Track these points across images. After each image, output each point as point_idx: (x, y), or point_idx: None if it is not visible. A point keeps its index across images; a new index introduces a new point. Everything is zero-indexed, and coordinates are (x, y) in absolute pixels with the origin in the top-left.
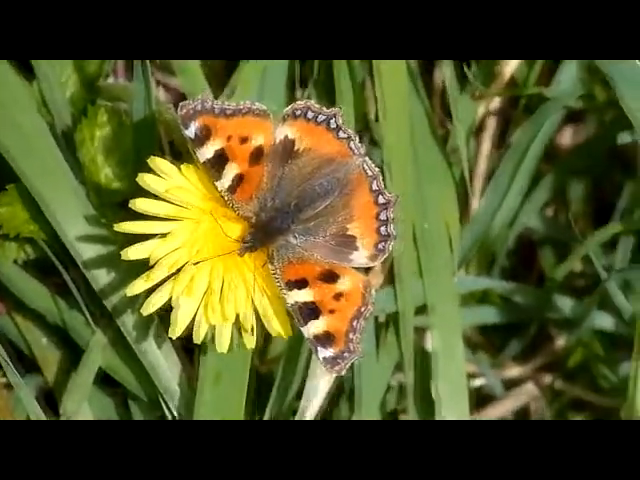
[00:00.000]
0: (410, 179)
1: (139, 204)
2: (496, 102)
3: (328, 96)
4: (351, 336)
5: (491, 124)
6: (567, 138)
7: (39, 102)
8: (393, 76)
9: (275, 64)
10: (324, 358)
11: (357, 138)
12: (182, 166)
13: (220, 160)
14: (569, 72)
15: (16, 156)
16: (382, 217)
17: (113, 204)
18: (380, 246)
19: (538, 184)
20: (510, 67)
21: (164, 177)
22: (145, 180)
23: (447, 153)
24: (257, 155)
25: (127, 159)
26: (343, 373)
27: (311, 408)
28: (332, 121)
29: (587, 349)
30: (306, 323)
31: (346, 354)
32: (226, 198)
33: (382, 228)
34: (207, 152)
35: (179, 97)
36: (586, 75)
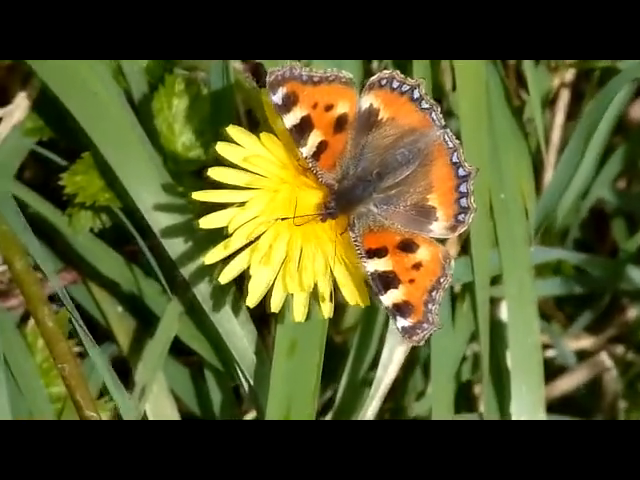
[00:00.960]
0: (486, 149)
1: (216, 173)
2: (570, 74)
3: (403, 67)
4: (430, 306)
5: (565, 96)
6: (638, 111)
7: (115, 71)
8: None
9: None
10: (403, 327)
11: (439, 109)
12: (261, 135)
13: (305, 127)
14: None
15: (92, 124)
16: (462, 189)
17: (190, 173)
18: (460, 217)
19: (610, 157)
20: None
21: (242, 146)
22: (223, 149)
23: (522, 124)
24: (341, 123)
25: (204, 128)
26: (422, 344)
27: (386, 378)
28: (416, 91)
29: None
30: (385, 292)
31: (425, 324)
32: (310, 165)
33: (462, 200)
34: (293, 119)
35: (256, 67)
36: None
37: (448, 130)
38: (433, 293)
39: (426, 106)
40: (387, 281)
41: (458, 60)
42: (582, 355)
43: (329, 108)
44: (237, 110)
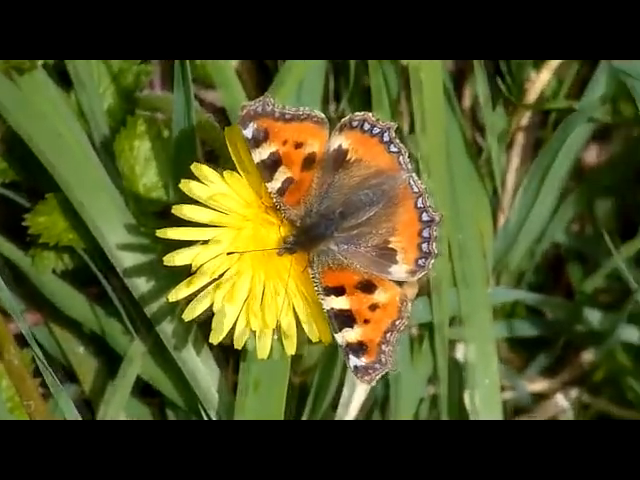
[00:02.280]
0: (445, 190)
1: (181, 210)
2: (527, 118)
3: (362, 109)
4: (384, 348)
5: (521, 139)
6: (593, 156)
7: (77, 113)
8: (431, 89)
9: (311, 78)
10: (355, 367)
11: (407, 153)
12: (224, 173)
13: (273, 163)
14: (598, 89)
15: (56, 165)
16: (425, 234)
17: (152, 213)
18: (420, 262)
19: (565, 200)
20: (540, 82)
21: (206, 184)
22: (189, 187)
23: (480, 166)
24: (310, 161)
25: (165, 169)
26: (373, 384)
27: (347, 418)
28: (386, 134)
29: (614, 362)
30: (340, 330)
31: (377, 365)
32: (275, 200)
33: (424, 245)
34: (262, 154)
35: (215, 111)
36: (614, 91)
37: (414, 175)
38: (388, 335)
39: (395, 149)
40: (343, 320)
41: (417, 101)
42: (538, 399)
43: (299, 146)
44: (197, 151)
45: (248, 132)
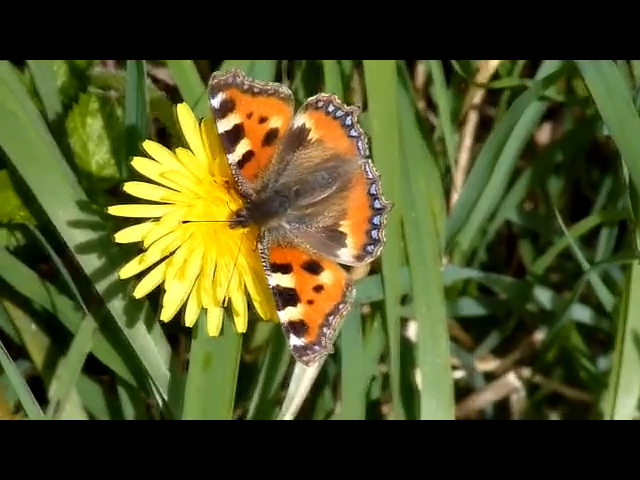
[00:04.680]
0: (397, 168)
1: (132, 188)
2: (479, 97)
3: (314, 87)
4: (325, 330)
5: (474, 117)
6: (546, 134)
7: (30, 91)
8: (381, 68)
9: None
10: (294, 346)
11: (366, 139)
12: (176, 150)
13: (236, 135)
14: (550, 67)
15: (7, 142)
16: (375, 221)
17: (103, 191)
18: (368, 248)
19: (517, 178)
20: (494, 61)
21: (157, 161)
22: (139, 163)
23: (433, 144)
24: (271, 137)
25: (118, 146)
26: (310, 365)
27: (298, 395)
28: (348, 118)
29: (566, 342)
30: (284, 308)
31: (317, 347)
32: (233, 172)
33: (373, 232)
34: (226, 124)
35: (167, 88)
36: (566, 69)
37: (369, 161)
38: (330, 317)
39: (355, 134)
40: (287, 298)
41: (369, 79)
42: (489, 377)
43: (263, 120)
44: (149, 128)
45: (215, 102)
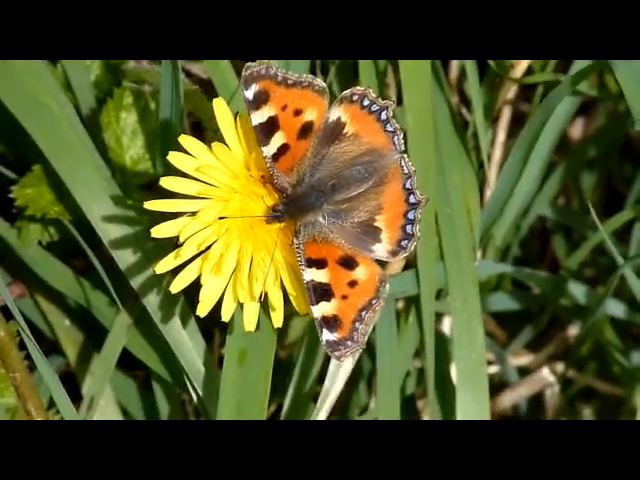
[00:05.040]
0: (432, 164)
1: (168, 182)
2: (513, 91)
3: (348, 82)
4: (357, 325)
5: (507, 113)
6: (579, 129)
7: (64, 85)
8: (416, 64)
9: None
10: (327, 341)
11: (402, 134)
12: (212, 144)
13: (271, 127)
14: (583, 62)
15: (42, 137)
16: (410, 216)
17: (138, 186)
18: (403, 243)
19: (551, 174)
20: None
21: (194, 155)
22: (175, 158)
23: (467, 140)
24: (306, 130)
25: (152, 141)
26: (342, 361)
27: (333, 390)
28: (384, 113)
29: (600, 337)
30: (317, 303)
31: (349, 342)
32: (268, 165)
33: (408, 227)
34: (260, 117)
35: (202, 83)
36: (600, 65)
37: (405, 156)
38: (363, 313)
39: (390, 129)
40: (321, 293)
41: (404, 75)
42: (523, 372)
43: (298, 113)
44: (184, 123)
45: (249, 93)
